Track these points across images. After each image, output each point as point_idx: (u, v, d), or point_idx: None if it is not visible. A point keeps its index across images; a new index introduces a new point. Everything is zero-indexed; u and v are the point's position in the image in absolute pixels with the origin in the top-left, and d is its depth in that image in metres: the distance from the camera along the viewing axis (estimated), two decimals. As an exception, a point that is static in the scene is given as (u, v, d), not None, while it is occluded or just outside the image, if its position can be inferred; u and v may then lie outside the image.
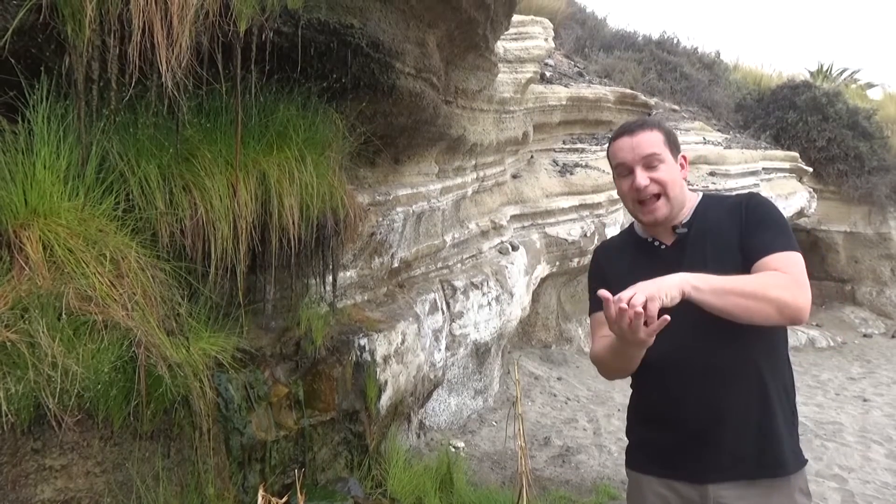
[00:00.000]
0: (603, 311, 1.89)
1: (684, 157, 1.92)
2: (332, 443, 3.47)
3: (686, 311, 1.62)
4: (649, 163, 1.82)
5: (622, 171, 1.88)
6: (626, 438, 2.07)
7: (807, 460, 1.84)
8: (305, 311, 3.42)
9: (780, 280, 1.67)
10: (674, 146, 1.89)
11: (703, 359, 1.74)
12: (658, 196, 1.83)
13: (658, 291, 1.57)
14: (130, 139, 2.53)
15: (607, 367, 1.91)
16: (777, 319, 1.68)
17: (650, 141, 1.84)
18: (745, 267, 1.75)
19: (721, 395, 1.75)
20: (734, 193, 2.22)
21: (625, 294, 1.57)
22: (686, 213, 1.89)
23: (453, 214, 5.57)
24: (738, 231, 1.80)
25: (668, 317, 1.56)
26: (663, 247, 1.90)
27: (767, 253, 1.73)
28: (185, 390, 2.29)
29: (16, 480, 1.93)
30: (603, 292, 1.61)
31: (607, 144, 1.97)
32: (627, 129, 1.89)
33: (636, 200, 1.86)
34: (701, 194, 1.97)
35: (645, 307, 1.53)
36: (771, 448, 1.75)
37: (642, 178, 1.82)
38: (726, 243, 1.80)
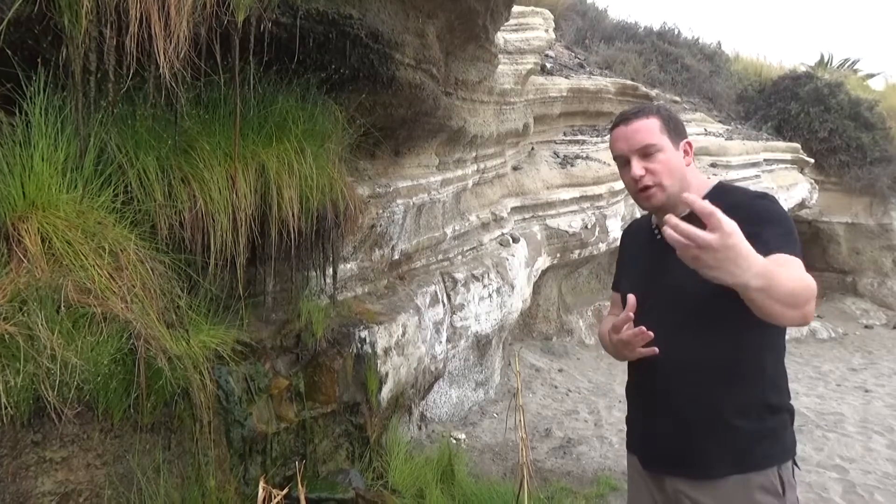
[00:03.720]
0: (615, 292, 2.09)
1: (689, 144, 1.87)
2: (333, 435, 3.47)
3: (662, 302, 1.72)
4: (645, 152, 1.80)
5: (620, 161, 1.88)
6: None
7: (786, 460, 1.76)
8: (306, 304, 3.42)
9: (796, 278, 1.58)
10: (674, 132, 1.84)
11: (664, 352, 1.72)
12: (653, 186, 1.80)
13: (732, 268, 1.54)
14: (129, 131, 2.52)
15: (605, 348, 2.01)
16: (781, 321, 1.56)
17: (645, 130, 1.80)
18: None
19: (670, 391, 1.76)
20: (751, 189, 2.13)
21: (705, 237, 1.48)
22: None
23: (454, 206, 5.55)
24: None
25: (656, 349, 1.70)
26: (659, 236, 1.88)
27: (770, 252, 1.60)
28: (186, 383, 2.29)
29: (16, 473, 1.93)
30: (630, 297, 1.70)
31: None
32: (623, 119, 1.86)
33: (634, 190, 1.86)
34: (715, 183, 1.90)
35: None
36: (713, 448, 1.72)
37: (638, 168, 1.80)
38: None
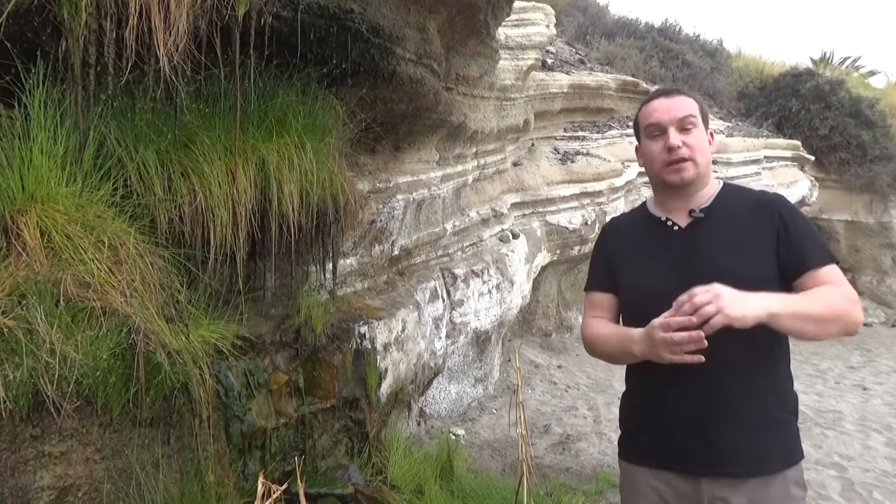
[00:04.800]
0: (598, 292, 1.96)
1: (712, 134, 1.88)
2: (333, 430, 3.47)
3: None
4: (683, 125, 1.79)
5: (654, 130, 1.83)
6: None
7: (803, 455, 1.81)
8: (305, 299, 3.41)
9: (844, 297, 1.68)
10: (705, 119, 1.86)
11: (703, 353, 1.67)
12: (687, 160, 1.79)
13: (735, 313, 1.53)
14: (128, 124, 2.51)
15: (601, 352, 1.92)
16: (838, 336, 1.71)
17: (686, 104, 1.81)
18: (774, 267, 1.73)
19: (714, 389, 1.72)
20: (756, 189, 2.15)
21: (701, 296, 1.53)
22: (706, 197, 1.84)
23: (454, 202, 5.54)
24: (768, 230, 1.75)
25: (702, 358, 1.57)
26: (677, 228, 1.85)
27: (816, 265, 1.71)
28: (185, 377, 2.29)
29: (15, 467, 1.93)
30: (681, 299, 1.59)
31: (638, 109, 1.92)
32: (664, 92, 1.87)
33: (665, 162, 1.81)
34: (721, 182, 1.92)
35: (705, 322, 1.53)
36: (766, 445, 1.72)
37: (675, 138, 1.78)
38: (750, 238, 1.76)
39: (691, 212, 1.83)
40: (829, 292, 1.67)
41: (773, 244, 1.74)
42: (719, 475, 1.72)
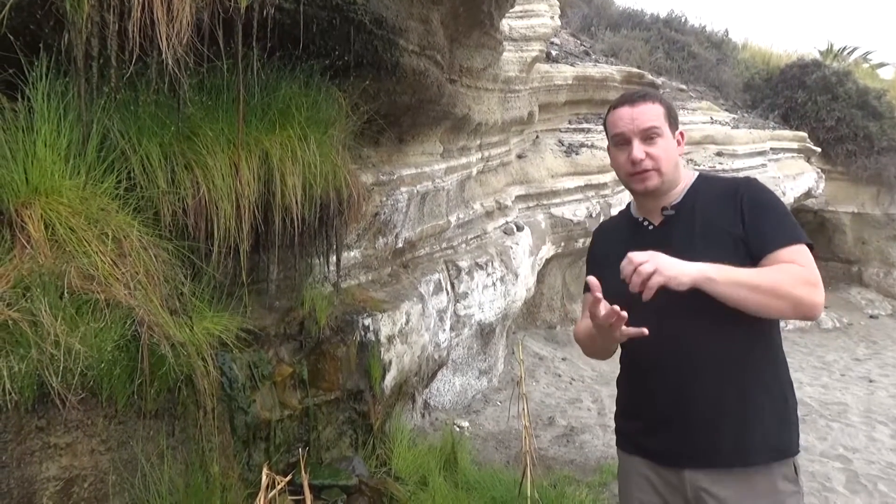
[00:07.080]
0: (587, 294, 1.96)
1: (681, 134, 1.89)
2: (337, 422, 3.48)
3: (665, 296, 1.62)
4: (647, 136, 1.80)
5: (619, 140, 1.85)
6: None
7: (798, 451, 1.79)
8: (309, 291, 3.42)
9: (797, 276, 1.65)
10: (673, 121, 1.86)
11: (676, 346, 1.72)
12: (651, 170, 1.81)
13: (670, 272, 1.59)
14: (131, 117, 2.51)
15: (585, 348, 1.99)
16: (791, 315, 1.71)
17: (651, 113, 1.81)
18: (743, 256, 1.71)
19: (691, 382, 1.73)
20: (729, 176, 2.16)
21: (637, 256, 1.60)
22: (677, 194, 1.86)
23: (458, 195, 5.54)
24: (732, 219, 1.75)
25: (645, 330, 1.63)
26: (651, 227, 1.88)
27: (777, 246, 1.70)
28: (189, 369, 2.29)
29: (21, 458, 1.94)
30: (591, 279, 1.68)
31: (606, 112, 1.93)
32: (628, 100, 1.86)
33: (629, 172, 1.84)
34: (696, 174, 1.93)
35: (649, 277, 1.58)
36: (748, 437, 1.71)
37: (639, 151, 1.79)
38: (717, 229, 1.76)
39: (663, 209, 1.85)
40: (781, 269, 1.66)
41: (740, 231, 1.74)
42: (699, 466, 1.74)
